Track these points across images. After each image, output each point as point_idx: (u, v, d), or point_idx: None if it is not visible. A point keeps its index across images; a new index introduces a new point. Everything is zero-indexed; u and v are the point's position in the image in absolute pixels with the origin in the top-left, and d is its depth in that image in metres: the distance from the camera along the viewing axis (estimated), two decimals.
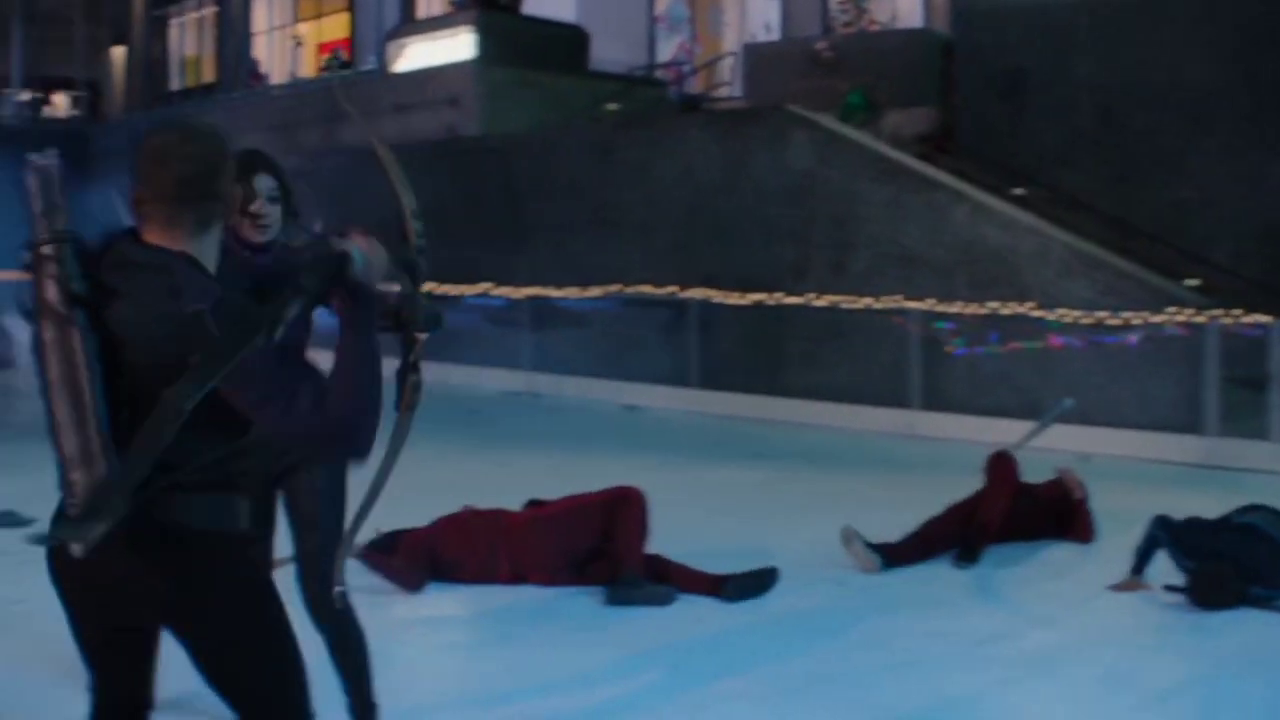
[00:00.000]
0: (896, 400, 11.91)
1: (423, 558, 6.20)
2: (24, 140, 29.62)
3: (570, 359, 14.69)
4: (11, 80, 32.67)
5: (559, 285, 14.96)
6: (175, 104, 29.57)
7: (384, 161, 3.26)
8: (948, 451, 10.22)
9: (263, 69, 28.96)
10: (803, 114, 13.70)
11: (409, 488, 7.94)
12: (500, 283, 15.52)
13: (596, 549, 6.15)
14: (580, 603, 6.03)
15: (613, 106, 18.52)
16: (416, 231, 3.23)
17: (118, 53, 33.41)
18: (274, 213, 3.83)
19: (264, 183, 3.81)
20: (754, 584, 6.17)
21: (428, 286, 3.10)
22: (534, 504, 6.48)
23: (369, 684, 4.12)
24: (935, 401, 11.78)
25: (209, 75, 30.39)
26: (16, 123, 30.90)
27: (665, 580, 6.07)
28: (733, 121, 15.18)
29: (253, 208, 3.77)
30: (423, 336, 3.18)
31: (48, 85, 33.58)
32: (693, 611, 5.91)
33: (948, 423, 11.46)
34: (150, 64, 32.01)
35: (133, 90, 32.74)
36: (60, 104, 33.87)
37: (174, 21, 31.78)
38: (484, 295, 15.50)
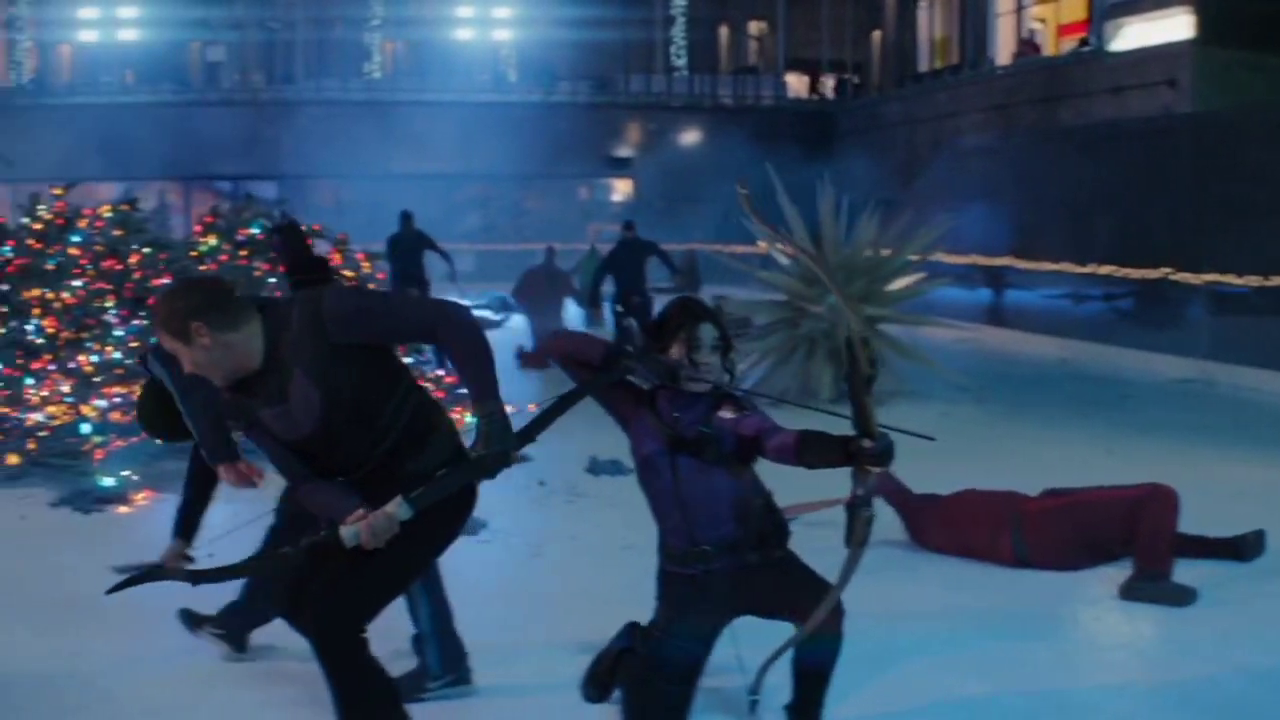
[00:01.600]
0: None
1: (920, 520, 6.71)
2: (774, 121, 32.44)
3: (1251, 349, 14.10)
4: (776, 63, 35.70)
5: (1239, 273, 14.43)
6: (923, 84, 30.91)
7: (827, 280, 4.10)
8: None
9: (1014, 48, 29.45)
10: None
11: (998, 459, 8.26)
12: (1179, 268, 15.19)
13: (1117, 541, 6.23)
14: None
15: None
16: (867, 359, 3.73)
17: (877, 36, 35.41)
18: (715, 363, 3.94)
19: (708, 332, 3.92)
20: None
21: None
22: (1052, 493, 6.60)
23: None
24: None
25: (955, 57, 31.44)
26: (770, 104, 33.85)
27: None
28: None
29: (696, 357, 3.90)
30: (875, 470, 3.71)
31: (812, 68, 36.26)
32: None
33: None
34: (901, 46, 33.65)
35: (885, 72, 34.63)
36: (820, 87, 36.42)
37: (923, 4, 33.15)
38: (1163, 280, 15.26)
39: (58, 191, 10.65)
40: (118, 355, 9.72)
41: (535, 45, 34.42)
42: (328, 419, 3.48)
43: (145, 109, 29.72)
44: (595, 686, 4.22)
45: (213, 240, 10.73)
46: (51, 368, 9.74)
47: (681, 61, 34.67)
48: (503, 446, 3.41)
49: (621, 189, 33.10)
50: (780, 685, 4.15)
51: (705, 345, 3.87)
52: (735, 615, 4.05)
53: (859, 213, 12.25)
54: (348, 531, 3.45)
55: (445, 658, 4.60)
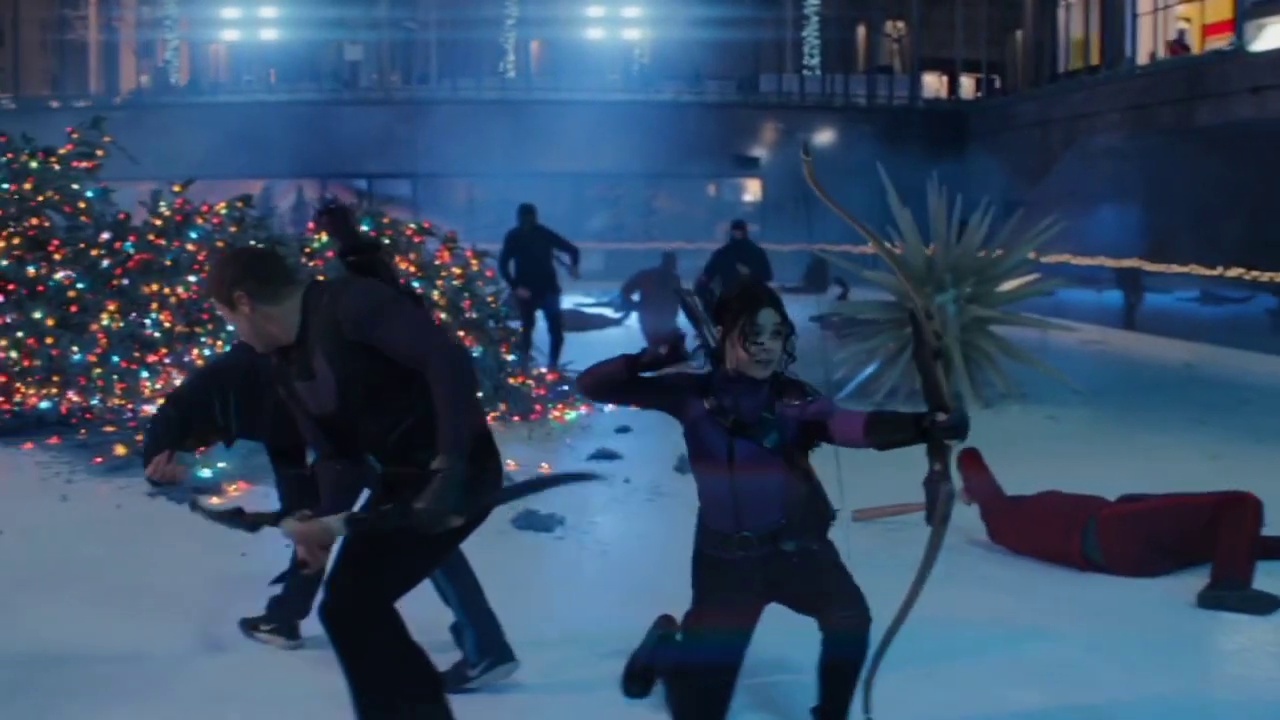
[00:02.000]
0: None
1: (1000, 521, 6.63)
2: (905, 121, 32.11)
3: None
4: (912, 63, 35.34)
5: None
6: (1058, 84, 30.34)
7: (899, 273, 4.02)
8: None
9: (1153, 48, 28.81)
10: None
11: (1097, 463, 7.99)
12: None
13: (1195, 549, 6.10)
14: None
15: None
16: (935, 333, 3.77)
17: (1018, 36, 34.86)
18: (775, 348, 3.86)
19: (768, 317, 3.85)
20: None
21: None
22: (1128, 498, 6.49)
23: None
24: None
25: (1094, 57, 30.82)
26: (903, 104, 33.53)
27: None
28: None
29: (760, 340, 3.83)
30: (952, 444, 3.76)
31: (949, 68, 35.81)
32: None
33: None
34: (1040, 46, 33.08)
35: (1024, 72, 34.08)
36: (957, 87, 35.95)
37: (1063, 4, 32.53)
38: None
39: (177, 189, 10.98)
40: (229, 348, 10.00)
41: (666, 45, 34.50)
42: (344, 400, 3.61)
43: (286, 108, 30.47)
44: (635, 682, 4.26)
45: (323, 237, 10.96)
46: (167, 361, 10.08)
47: (814, 61, 34.48)
48: (441, 505, 3.36)
49: (751, 189, 33.06)
50: (807, 685, 4.12)
51: (766, 330, 3.81)
52: (765, 602, 4.02)
53: (981, 214, 12.10)
54: (285, 526, 3.63)
55: (482, 642, 4.61)
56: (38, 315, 10.06)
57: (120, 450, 8.94)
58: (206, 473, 8.14)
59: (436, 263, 11.36)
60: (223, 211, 10.85)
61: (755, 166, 31.95)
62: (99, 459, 8.84)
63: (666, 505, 7.67)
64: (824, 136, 31.99)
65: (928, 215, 11.74)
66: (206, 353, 9.96)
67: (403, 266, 11.01)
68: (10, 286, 10.47)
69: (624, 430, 9.84)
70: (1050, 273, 13.87)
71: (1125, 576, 6.16)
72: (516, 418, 10.30)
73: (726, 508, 3.93)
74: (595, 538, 6.94)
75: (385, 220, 11.26)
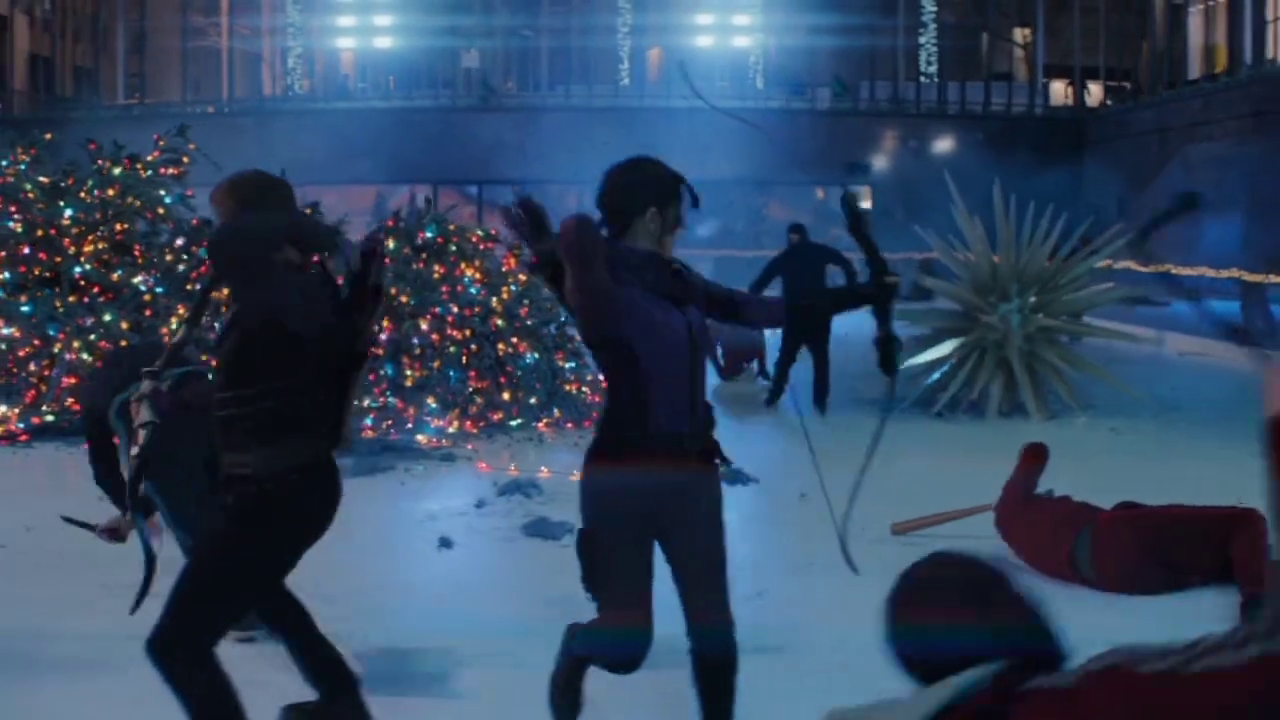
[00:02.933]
0: None
1: (1010, 516, 6.33)
2: (1021, 129, 31.59)
3: None
4: (1035, 71, 34.79)
5: None
6: (1178, 91, 29.64)
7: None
8: None
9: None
10: None
11: (1146, 478, 7.69)
12: None
13: (1197, 566, 5.80)
14: None
15: None
16: (856, 214, 3.94)
17: (1146, 43, 34.12)
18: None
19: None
20: None
21: None
22: (1126, 505, 6.22)
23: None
24: None
25: (1224, 64, 30.07)
26: (1021, 111, 33.02)
27: None
28: None
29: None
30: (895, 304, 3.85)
31: (1075, 76, 35.17)
32: None
33: None
34: (1170, 53, 32.34)
35: (1153, 79, 33.33)
36: (1083, 94, 35.29)
37: (1193, 9, 31.80)
38: None
39: None
40: None
41: (779, 52, 34.42)
42: (222, 350, 3.63)
43: (402, 114, 31.06)
44: (562, 706, 3.92)
45: (391, 243, 11.16)
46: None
47: (932, 69, 34.12)
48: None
49: (861, 196, 32.82)
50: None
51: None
52: (652, 534, 3.61)
53: (1078, 221, 11.90)
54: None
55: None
56: (108, 318, 10.40)
57: None
58: None
59: (504, 270, 11.50)
60: None
61: (866, 174, 31.72)
62: None
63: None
64: (936, 145, 31.67)
65: (1025, 224, 11.49)
66: None
67: (468, 273, 11.19)
68: (95, 289, 10.86)
69: None
70: (1152, 282, 13.58)
71: (1110, 591, 5.76)
72: (570, 424, 10.37)
73: (683, 397, 3.54)
74: None
75: (451, 227, 11.43)
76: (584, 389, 10.81)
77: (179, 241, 11.04)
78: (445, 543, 6.54)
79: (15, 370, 10.30)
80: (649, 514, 3.56)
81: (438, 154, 29.67)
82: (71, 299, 10.58)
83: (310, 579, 4.08)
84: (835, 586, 4.89)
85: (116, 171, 11.55)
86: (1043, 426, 10.47)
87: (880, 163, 31.55)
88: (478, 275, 11.22)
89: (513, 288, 11.31)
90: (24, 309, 10.45)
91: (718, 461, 3.68)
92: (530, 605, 5.47)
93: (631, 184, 3.63)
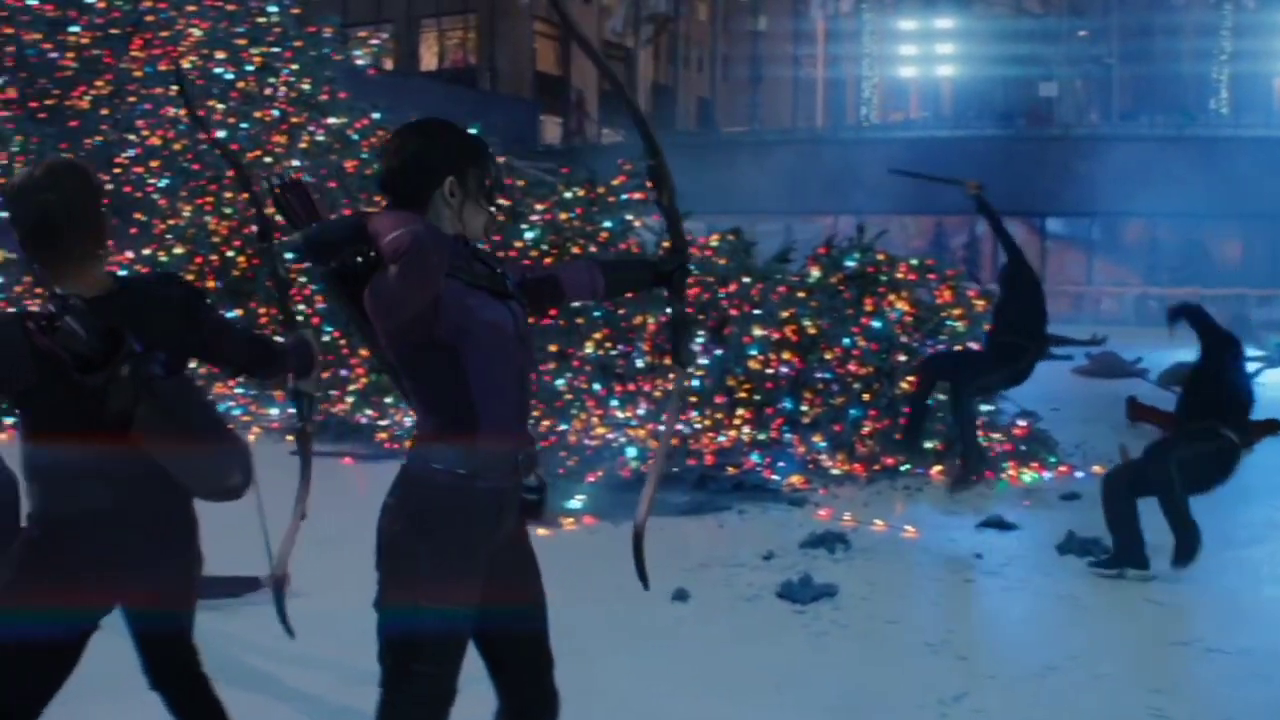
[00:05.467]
0: None
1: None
2: None
3: None
4: None
5: None
6: None
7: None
8: None
9: None
10: None
11: None
12: None
13: None
14: None
15: None
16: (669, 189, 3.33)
17: None
18: None
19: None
20: None
21: None
22: None
23: None
24: None
25: None
26: None
27: None
28: None
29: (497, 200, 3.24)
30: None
31: None
32: None
33: None
34: None
35: None
36: None
37: None
38: None
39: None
40: (696, 383, 9.99)
41: None
42: None
43: (959, 143, 30.05)
44: None
45: (816, 272, 10.69)
46: (635, 391, 10.25)
47: None
48: None
49: None
50: None
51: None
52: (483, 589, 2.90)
53: None
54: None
55: None
56: None
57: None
58: (574, 502, 8.08)
59: (937, 302, 10.72)
60: (714, 243, 10.91)
61: None
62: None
63: (1025, 585, 6.61)
64: None
65: None
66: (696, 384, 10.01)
67: (899, 306, 10.51)
68: (554, 312, 11.12)
69: (1071, 497, 8.68)
70: None
71: None
72: (976, 477, 9.40)
73: (510, 405, 2.93)
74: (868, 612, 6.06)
75: (880, 256, 10.80)
76: (994, 435, 9.78)
77: None
78: (680, 595, 5.99)
79: None
80: None
81: (998, 184, 28.54)
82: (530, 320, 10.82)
83: None
84: None
85: (568, 195, 11.84)
86: None
87: None
88: (907, 308, 10.52)
89: (948, 323, 10.53)
90: None
91: None
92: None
93: (420, 151, 2.91)
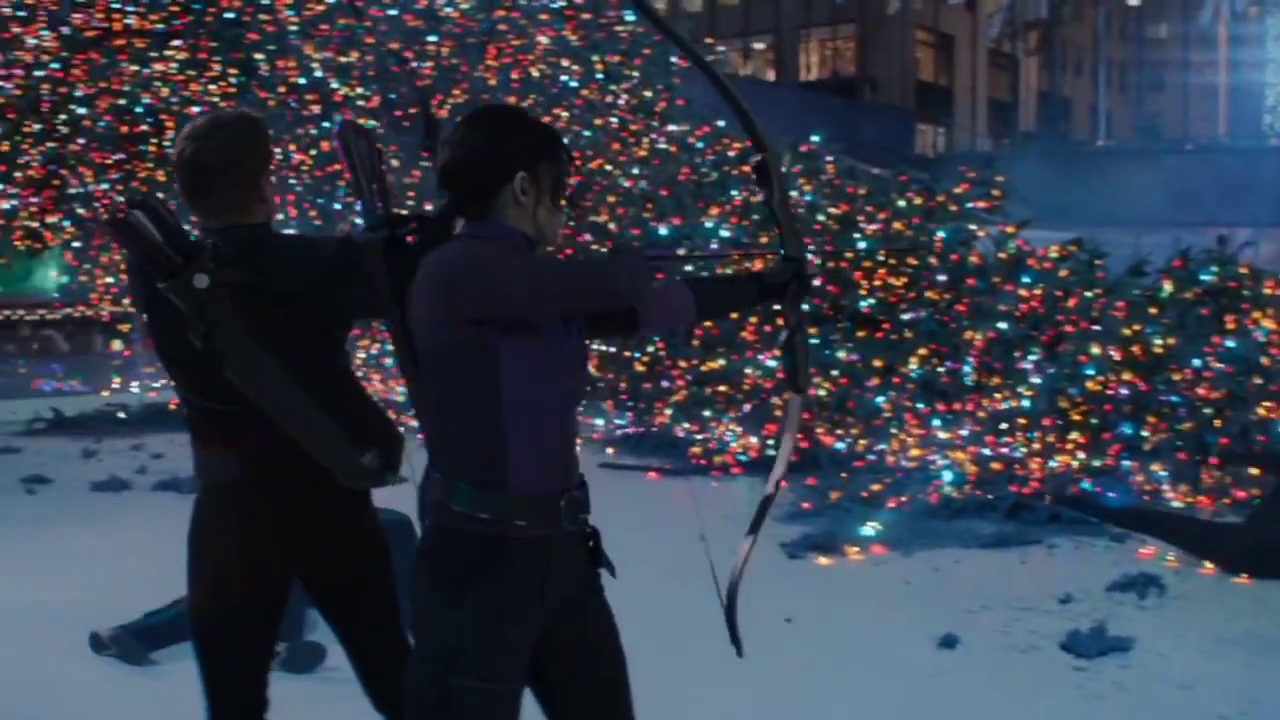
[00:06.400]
0: None
1: None
2: None
3: None
4: None
5: None
6: None
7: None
8: None
9: None
10: None
11: None
12: None
13: None
14: None
15: None
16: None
17: None
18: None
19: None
20: None
21: None
22: None
23: None
24: None
25: None
26: None
27: None
28: None
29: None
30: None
31: None
32: None
33: None
34: None
35: None
36: None
37: None
38: None
39: (1011, 229, 10.49)
40: (1026, 403, 9.30)
41: None
42: None
43: None
44: None
45: (1169, 286, 9.77)
46: (960, 411, 9.63)
47: None
48: None
49: None
50: None
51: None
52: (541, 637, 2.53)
53: None
54: None
55: None
56: (840, 355, 10.18)
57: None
58: (869, 529, 7.52)
59: None
60: (1054, 256, 10.15)
61: None
62: (807, 504, 8.37)
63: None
64: None
65: None
66: (1005, 406, 9.37)
67: (1265, 324, 9.47)
68: (886, 326, 10.61)
69: None
70: None
71: None
72: None
73: (556, 446, 2.52)
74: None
75: (1243, 270, 9.77)
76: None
77: (941, 278, 10.45)
78: (948, 641, 5.36)
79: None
80: None
81: None
82: (861, 334, 10.41)
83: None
84: None
85: (902, 204, 11.33)
86: None
87: None
88: (1275, 326, 9.48)
89: None
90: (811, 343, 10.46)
91: None
92: None
93: (489, 141, 2.53)
